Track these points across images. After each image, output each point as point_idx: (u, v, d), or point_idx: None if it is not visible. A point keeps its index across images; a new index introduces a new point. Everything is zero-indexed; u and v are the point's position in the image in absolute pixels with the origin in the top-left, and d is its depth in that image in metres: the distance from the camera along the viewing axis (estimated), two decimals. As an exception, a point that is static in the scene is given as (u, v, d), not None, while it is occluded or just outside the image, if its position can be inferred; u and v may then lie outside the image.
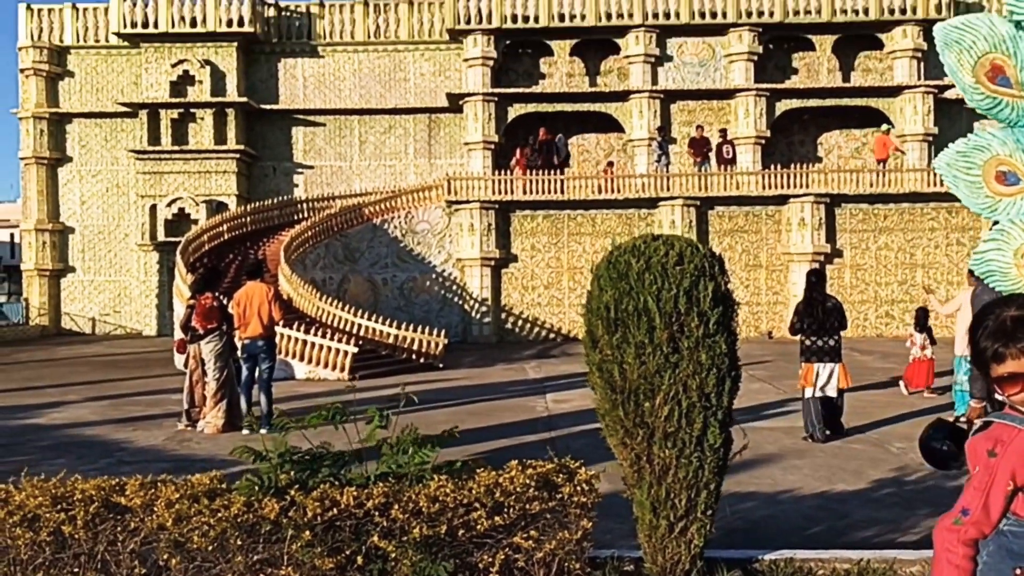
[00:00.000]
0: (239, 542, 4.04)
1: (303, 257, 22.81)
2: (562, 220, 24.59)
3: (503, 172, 24.78)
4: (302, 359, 16.07)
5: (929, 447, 2.92)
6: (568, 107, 26.51)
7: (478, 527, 4.12)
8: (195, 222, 25.69)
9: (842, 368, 9.48)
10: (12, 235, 53.45)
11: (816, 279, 9.65)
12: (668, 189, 24.16)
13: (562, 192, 24.24)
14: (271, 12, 28.01)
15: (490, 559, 4.15)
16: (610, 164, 26.51)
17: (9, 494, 4.29)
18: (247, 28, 26.88)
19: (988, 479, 2.23)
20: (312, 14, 28.06)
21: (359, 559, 4.05)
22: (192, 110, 27.02)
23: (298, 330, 16.21)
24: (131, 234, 27.84)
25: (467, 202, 24.10)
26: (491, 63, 26.41)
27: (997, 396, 2.30)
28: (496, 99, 26.23)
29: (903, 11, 26.01)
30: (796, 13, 26.16)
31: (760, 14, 26.10)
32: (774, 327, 24.33)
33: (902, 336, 22.07)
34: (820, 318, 9.38)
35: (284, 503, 4.09)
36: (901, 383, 13.07)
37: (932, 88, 25.74)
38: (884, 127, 25.33)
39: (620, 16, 26.25)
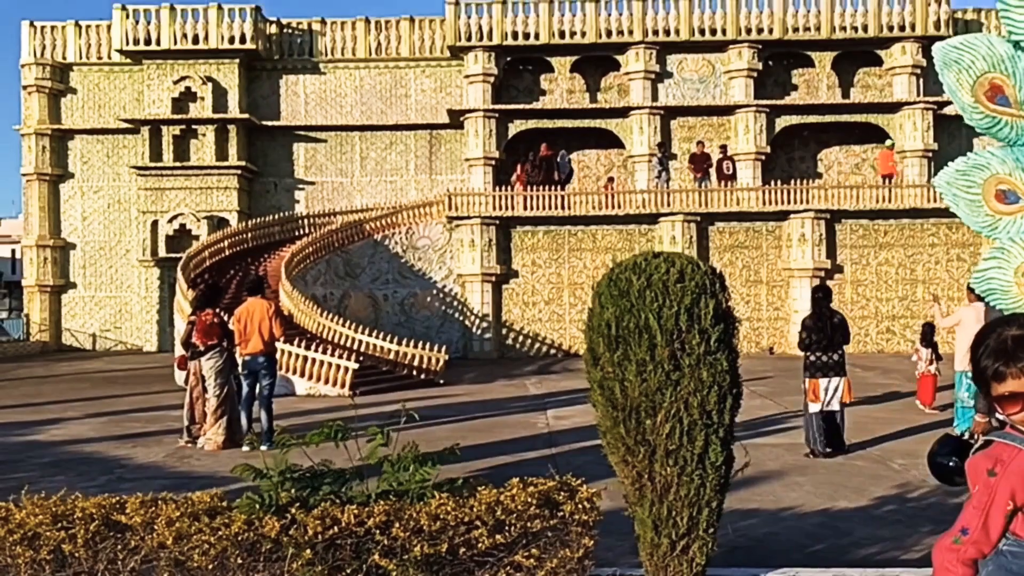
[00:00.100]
0: (239, 561, 4.03)
1: (304, 273, 22.82)
2: (563, 236, 24.62)
3: (504, 188, 24.84)
4: (303, 375, 16.07)
5: (935, 462, 2.94)
6: (568, 123, 26.60)
7: (479, 545, 4.11)
8: (196, 238, 25.75)
9: (846, 382, 9.54)
10: (13, 251, 53.53)
11: (823, 295, 9.70)
12: (668, 205, 24.21)
13: (563, 208, 24.28)
14: (273, 29, 28.18)
15: (491, 577, 4.14)
16: (610, 180, 26.58)
17: (9, 512, 4.28)
18: (249, 45, 27.04)
19: (988, 498, 2.23)
20: (314, 31, 28.21)
21: (360, 578, 4.03)
22: (194, 126, 27.13)
23: (299, 346, 16.21)
24: (132, 250, 27.88)
25: (468, 218, 24.14)
26: (492, 79, 26.51)
27: (997, 415, 2.31)
28: (497, 115, 26.33)
29: (902, 28, 26.14)
30: (795, 30, 26.29)
31: (760, 31, 26.24)
32: (775, 343, 24.30)
33: (903, 352, 22.09)
34: (829, 333, 9.43)
35: (285, 521, 4.08)
36: (917, 401, 12.98)
37: (931, 104, 25.82)
38: (888, 142, 25.36)
39: (620, 33, 26.38)
